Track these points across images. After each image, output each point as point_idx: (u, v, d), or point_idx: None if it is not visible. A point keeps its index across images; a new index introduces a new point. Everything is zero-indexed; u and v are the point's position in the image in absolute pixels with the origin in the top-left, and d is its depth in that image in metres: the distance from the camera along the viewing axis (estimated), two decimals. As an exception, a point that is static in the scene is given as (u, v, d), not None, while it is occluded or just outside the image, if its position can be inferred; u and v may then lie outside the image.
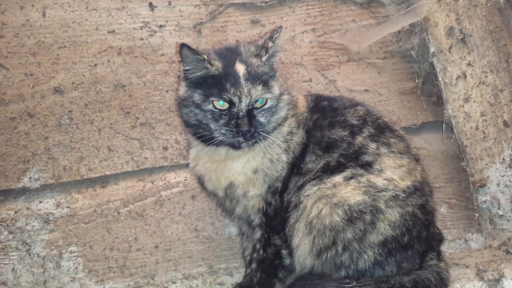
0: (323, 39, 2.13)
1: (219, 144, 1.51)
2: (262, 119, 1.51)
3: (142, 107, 1.95)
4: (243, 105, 1.47)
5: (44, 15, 1.92)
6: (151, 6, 2.00)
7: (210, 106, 1.48)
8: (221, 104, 1.48)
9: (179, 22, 2.01)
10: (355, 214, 1.42)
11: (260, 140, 1.51)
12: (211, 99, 1.48)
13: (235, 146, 1.51)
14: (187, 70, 1.53)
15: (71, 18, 1.94)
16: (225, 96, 1.46)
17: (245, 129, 1.46)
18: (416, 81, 2.15)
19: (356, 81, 2.14)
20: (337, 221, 1.42)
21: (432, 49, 2.01)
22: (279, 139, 1.56)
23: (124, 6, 1.98)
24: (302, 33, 2.12)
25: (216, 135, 1.49)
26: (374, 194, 1.43)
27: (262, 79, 1.51)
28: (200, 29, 2.03)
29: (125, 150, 1.92)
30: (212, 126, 1.49)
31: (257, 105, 1.50)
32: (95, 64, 1.94)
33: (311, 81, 2.10)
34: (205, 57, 1.49)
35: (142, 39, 1.98)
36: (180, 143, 1.95)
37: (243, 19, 2.07)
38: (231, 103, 1.47)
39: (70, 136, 1.90)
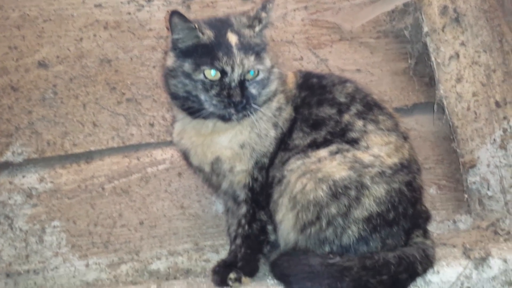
0: (316, 17, 2.10)
1: (208, 116, 1.47)
2: (253, 91, 1.48)
3: (129, 82, 1.92)
4: (236, 75, 1.44)
5: (29, -13, 1.88)
6: (140, -20, 1.96)
7: (201, 76, 1.44)
8: (212, 74, 1.44)
9: (168, -3, 1.98)
10: (339, 190, 1.39)
11: (251, 113, 1.47)
12: (203, 68, 1.43)
13: (225, 118, 1.47)
14: (176, 39, 1.48)
15: (57, -10, 1.90)
16: (217, 65, 1.43)
17: (237, 99, 1.42)
18: (409, 61, 2.12)
19: (348, 60, 2.10)
20: (321, 196, 1.40)
21: (425, 29, 1.97)
22: (268, 114, 1.53)
23: (111, -21, 1.94)
24: (294, 10, 2.08)
25: (207, 106, 1.46)
26: (360, 169, 1.41)
27: (255, 50, 1.48)
28: (189, 4, 1.99)
29: (110, 126, 1.89)
30: (203, 97, 1.45)
31: (249, 76, 1.47)
32: (81, 38, 1.91)
33: (302, 60, 2.07)
34: (196, 25, 1.45)
35: (129, 13, 1.94)
36: (167, 120, 1.91)
37: (233, -5, 2.03)
38: (223, 73, 1.44)
39: (54, 110, 1.86)
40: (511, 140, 1.77)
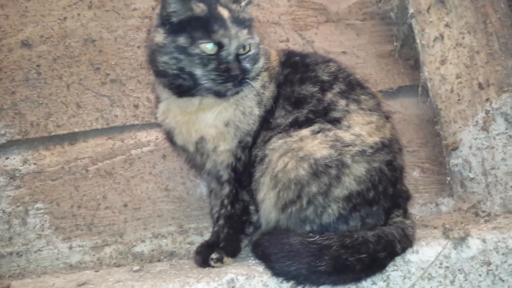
0: (302, -2, 2.09)
1: (201, 92, 1.46)
2: (247, 65, 1.48)
3: (113, 63, 1.90)
4: (232, 48, 1.44)
5: (12, -34, 1.85)
6: (124, -41, 1.93)
7: (198, 50, 1.41)
8: (209, 48, 1.41)
9: (151, -23, 1.95)
10: (320, 168, 1.39)
11: (244, 88, 1.48)
12: (199, 41, 1.41)
13: (220, 94, 1.46)
14: (168, 14, 1.44)
15: (40, -31, 1.87)
16: (214, 38, 1.41)
17: (236, 73, 1.42)
18: (395, 43, 2.12)
19: (334, 42, 2.10)
20: (302, 174, 1.40)
21: (411, 10, 1.97)
22: (253, 92, 1.53)
23: (95, -42, 1.91)
24: (280, -9, 2.07)
25: (203, 82, 1.43)
26: (341, 148, 1.41)
27: (245, 24, 1.49)
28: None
29: (94, 107, 1.88)
30: (199, 72, 1.43)
31: (242, 51, 1.47)
32: (65, 18, 1.89)
33: (288, 41, 2.06)
34: None
35: (113, -8, 1.92)
36: (151, 101, 1.91)
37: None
38: (220, 46, 1.42)
39: (38, 91, 1.85)
40: (493, 122, 1.77)
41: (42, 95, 1.85)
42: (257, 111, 1.54)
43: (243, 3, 1.51)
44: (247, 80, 1.47)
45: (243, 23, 1.48)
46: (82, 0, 1.89)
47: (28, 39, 1.85)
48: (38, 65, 1.85)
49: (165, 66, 1.46)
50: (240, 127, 1.52)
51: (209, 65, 1.42)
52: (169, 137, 1.61)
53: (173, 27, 1.44)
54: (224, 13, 1.46)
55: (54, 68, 1.86)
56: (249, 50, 1.49)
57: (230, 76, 1.42)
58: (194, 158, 1.60)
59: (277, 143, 1.47)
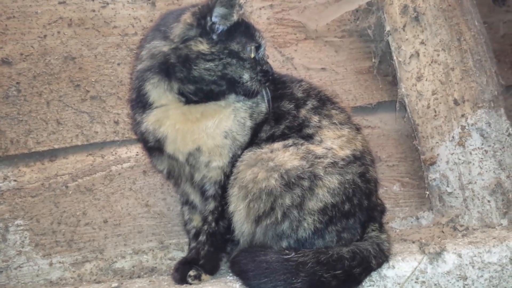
0: (281, 15, 2.12)
1: (232, 95, 1.52)
2: None
3: (93, 80, 1.91)
4: (264, 47, 1.56)
5: (-8, -16, 1.86)
6: (105, -22, 1.95)
7: (248, 54, 1.50)
8: (254, 50, 1.51)
9: (133, -6, 1.97)
10: (292, 180, 1.40)
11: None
12: (248, 45, 1.50)
13: (255, 94, 1.53)
14: (214, 23, 1.48)
15: (20, -13, 1.88)
16: (256, 40, 1.53)
17: (272, 71, 1.55)
18: (373, 60, 2.16)
19: (313, 59, 2.13)
20: (274, 185, 1.41)
21: (387, 28, 2.01)
22: (246, 105, 1.56)
23: (76, -24, 1.93)
24: (260, 9, 2.10)
25: (249, 84, 1.49)
26: (313, 160, 1.43)
27: None
28: (154, 1, 1.99)
29: (74, 123, 1.88)
30: (247, 75, 1.49)
31: None
32: (45, 35, 1.90)
33: (268, 58, 2.07)
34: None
35: (93, 10, 1.94)
36: (130, 115, 1.91)
37: (200, -8, 2.04)
38: (259, 47, 1.54)
39: (17, 108, 1.85)
40: (469, 138, 1.81)
41: (22, 112, 1.85)
42: (249, 123, 1.54)
43: (243, 4, 1.56)
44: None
45: None
46: (62, 18, 1.90)
47: (8, 56, 1.85)
48: (18, 83, 1.85)
49: (206, 73, 1.47)
50: (237, 138, 1.52)
51: (257, 68, 1.51)
52: (158, 145, 1.54)
53: (221, 35, 1.49)
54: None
55: (34, 85, 1.87)
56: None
57: (270, 74, 1.53)
58: (181, 169, 1.57)
59: (246, 155, 1.48)
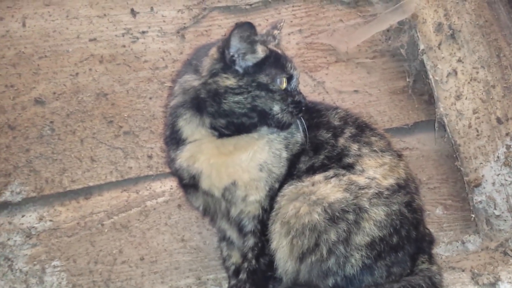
0: (310, 40, 2.09)
1: (264, 127, 1.48)
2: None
3: (125, 115, 1.91)
4: (296, 79, 1.52)
5: (24, 25, 1.88)
6: (133, 13, 1.96)
7: (277, 86, 1.46)
8: (284, 82, 1.47)
9: (161, 28, 1.98)
10: (337, 213, 1.35)
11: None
12: (278, 77, 1.46)
13: (287, 125, 1.49)
14: (233, 55, 1.46)
15: (51, 27, 1.90)
16: (287, 71, 1.49)
17: (304, 102, 1.49)
18: (407, 80, 2.10)
19: (345, 82, 2.09)
20: (317, 220, 1.36)
21: (421, 47, 1.96)
22: (281, 136, 1.52)
23: (105, 13, 1.95)
24: (289, 34, 2.08)
25: (280, 116, 1.45)
26: (356, 191, 1.38)
27: None
28: (184, 34, 1.99)
29: (108, 160, 1.88)
30: (277, 107, 1.45)
31: None
32: (77, 73, 1.91)
33: (299, 84, 2.05)
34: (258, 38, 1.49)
35: (124, 46, 1.94)
36: (165, 151, 1.89)
37: (228, 23, 2.03)
38: (290, 78, 1.49)
39: (52, 147, 1.85)
40: (515, 157, 1.73)
41: (56, 151, 1.85)
42: (285, 154, 1.50)
43: (277, 35, 1.59)
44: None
45: None
46: (93, 55, 1.91)
47: (41, 96, 1.87)
48: (51, 122, 1.86)
49: (236, 106, 1.44)
50: (273, 171, 1.48)
51: (288, 99, 1.46)
52: (193, 182, 1.52)
53: (248, 67, 1.46)
54: (274, 48, 1.53)
55: (67, 124, 1.87)
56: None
57: (302, 106, 1.48)
58: (217, 204, 1.54)
59: (287, 189, 1.44)
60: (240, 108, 1.44)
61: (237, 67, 1.45)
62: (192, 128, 1.50)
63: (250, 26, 1.42)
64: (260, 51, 1.46)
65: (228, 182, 1.47)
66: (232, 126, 1.47)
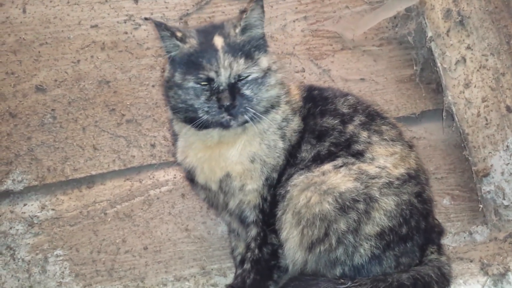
0: (316, 27, 2.05)
1: (206, 125, 1.42)
2: (247, 92, 1.42)
3: (128, 103, 1.88)
4: (223, 79, 1.39)
5: (24, 11, 1.85)
6: (135, -1, 1.93)
7: (191, 84, 1.41)
8: (199, 81, 1.41)
9: (164, 14, 1.94)
10: (347, 203, 1.33)
11: (251, 118, 1.41)
12: (188, 77, 1.42)
13: (224, 125, 1.42)
14: (166, 50, 1.47)
15: (52, 13, 1.87)
16: (202, 73, 1.40)
17: (226, 103, 1.37)
18: (414, 68, 2.06)
19: (351, 70, 2.05)
20: (328, 209, 1.34)
21: (429, 34, 1.92)
22: (274, 126, 1.48)
23: (107, -1, 1.91)
24: (294, 21, 2.04)
25: (201, 114, 1.41)
26: (367, 181, 1.35)
27: (244, 50, 1.43)
28: (187, 20, 1.95)
29: (111, 148, 1.85)
30: (196, 104, 1.41)
31: (238, 77, 1.42)
32: (78, 60, 1.87)
33: (304, 71, 2.02)
34: (178, 34, 1.43)
35: (126, 33, 1.91)
36: (168, 140, 1.87)
37: (231, 9, 1.99)
38: (209, 79, 1.40)
39: (53, 135, 1.83)
40: (525, 147, 1.70)
41: (58, 139, 1.83)
42: (281, 144, 1.48)
43: (237, 29, 1.45)
44: (249, 109, 1.41)
45: (241, 48, 1.43)
46: (95, 42, 1.88)
47: (42, 83, 1.84)
48: (53, 109, 1.83)
49: (173, 101, 1.46)
50: (267, 161, 1.46)
51: (202, 97, 1.41)
52: (190, 176, 1.54)
53: (172, 62, 1.46)
54: (219, 42, 1.43)
55: (69, 112, 1.84)
56: (249, 76, 1.42)
57: (222, 106, 1.38)
58: (217, 198, 1.53)
59: (298, 179, 1.42)
60: (176, 102, 1.45)
61: (169, 60, 1.46)
62: (178, 122, 1.53)
63: (158, 25, 1.44)
64: (186, 46, 1.43)
65: (222, 174, 1.47)
66: (189, 121, 1.46)
